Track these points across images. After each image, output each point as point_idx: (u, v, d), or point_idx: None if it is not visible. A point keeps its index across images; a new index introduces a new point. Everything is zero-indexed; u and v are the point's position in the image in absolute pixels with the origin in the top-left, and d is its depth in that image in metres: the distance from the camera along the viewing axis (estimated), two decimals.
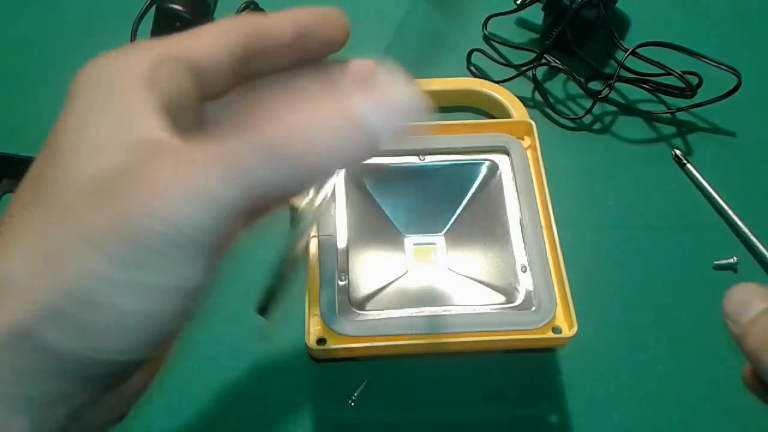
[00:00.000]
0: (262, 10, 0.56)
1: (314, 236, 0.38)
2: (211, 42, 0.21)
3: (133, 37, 0.51)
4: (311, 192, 0.24)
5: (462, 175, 0.42)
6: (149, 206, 0.16)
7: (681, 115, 0.53)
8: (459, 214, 0.42)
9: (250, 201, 0.17)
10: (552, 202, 0.40)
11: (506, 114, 0.49)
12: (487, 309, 0.37)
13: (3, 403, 0.17)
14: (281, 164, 0.17)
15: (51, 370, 0.17)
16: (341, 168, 0.20)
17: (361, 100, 0.18)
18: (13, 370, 0.17)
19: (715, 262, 0.45)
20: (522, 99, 0.51)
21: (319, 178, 0.21)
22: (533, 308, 0.36)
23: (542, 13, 0.55)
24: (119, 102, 0.19)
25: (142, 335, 0.18)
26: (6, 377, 0.17)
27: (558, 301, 0.36)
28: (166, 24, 0.51)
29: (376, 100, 0.18)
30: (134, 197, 0.17)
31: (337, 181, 0.41)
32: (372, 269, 0.40)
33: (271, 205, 0.22)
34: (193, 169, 0.17)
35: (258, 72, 0.22)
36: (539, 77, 0.53)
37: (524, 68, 0.53)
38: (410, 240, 0.42)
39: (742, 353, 0.26)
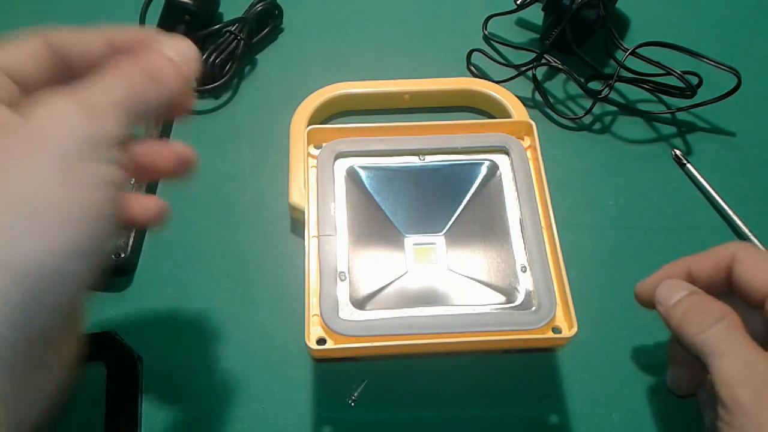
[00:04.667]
0: (278, 5, 0.56)
1: (314, 236, 0.38)
2: (20, 53, 0.27)
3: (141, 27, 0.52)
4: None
5: (462, 175, 0.42)
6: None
7: (681, 115, 0.53)
8: (459, 214, 0.42)
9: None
10: (552, 202, 0.40)
11: (506, 114, 0.50)
12: (487, 309, 0.37)
13: None
14: (155, 87, 0.26)
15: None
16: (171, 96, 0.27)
17: (170, 52, 0.28)
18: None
19: None
20: (522, 99, 0.51)
21: (166, 100, 0.27)
22: (533, 308, 0.36)
23: (542, 13, 0.55)
24: None
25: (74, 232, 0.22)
26: None
27: (558, 301, 0.36)
28: (175, 16, 0.52)
29: (176, 50, 0.28)
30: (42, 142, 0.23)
31: (337, 181, 0.41)
32: (372, 269, 0.40)
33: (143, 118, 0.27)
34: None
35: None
36: (539, 77, 0.54)
37: (524, 68, 0.53)
38: (410, 240, 0.42)
39: (668, 328, 0.34)
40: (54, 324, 0.23)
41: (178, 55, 0.28)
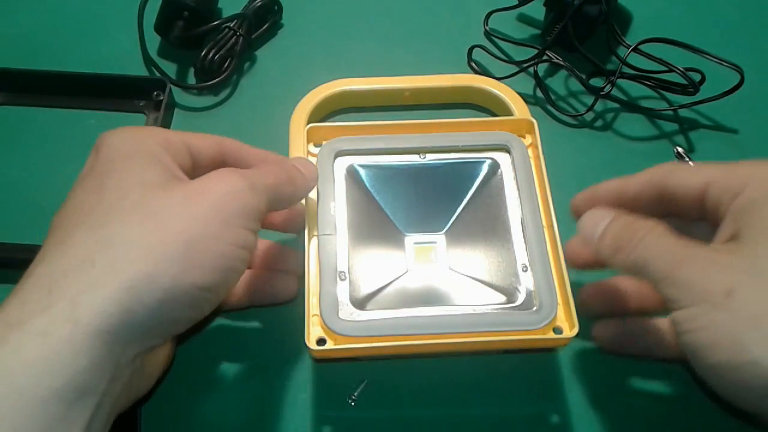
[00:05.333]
0: (277, 1, 0.55)
1: (314, 236, 0.38)
2: (201, 141, 0.35)
3: (140, 24, 0.51)
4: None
5: (463, 173, 0.42)
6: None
7: (683, 112, 0.52)
8: (460, 213, 0.42)
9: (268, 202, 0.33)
10: (553, 201, 0.39)
11: (507, 111, 0.49)
12: (488, 309, 0.37)
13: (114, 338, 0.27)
14: (290, 187, 0.35)
15: (155, 306, 0.27)
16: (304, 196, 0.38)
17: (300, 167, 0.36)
18: (143, 304, 0.27)
19: None
20: (523, 96, 0.50)
21: (293, 197, 0.36)
22: (534, 308, 0.36)
23: (544, 9, 0.55)
24: (148, 158, 0.31)
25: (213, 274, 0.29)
26: (138, 309, 0.27)
27: (559, 300, 0.36)
28: (174, 13, 0.51)
29: (304, 166, 0.36)
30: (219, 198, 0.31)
31: (337, 180, 0.40)
32: (372, 269, 0.40)
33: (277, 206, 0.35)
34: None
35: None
36: (541, 74, 0.53)
37: (526, 65, 0.52)
38: (410, 239, 0.42)
39: (602, 261, 0.33)
40: (166, 334, 0.30)
41: (305, 169, 0.36)
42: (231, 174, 0.31)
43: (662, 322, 0.38)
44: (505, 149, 0.42)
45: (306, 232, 0.38)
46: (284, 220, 0.40)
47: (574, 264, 0.39)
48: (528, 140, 0.43)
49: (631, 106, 0.53)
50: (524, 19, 0.58)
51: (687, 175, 0.34)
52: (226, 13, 0.55)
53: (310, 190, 0.37)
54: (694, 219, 0.35)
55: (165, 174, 0.31)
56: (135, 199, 0.29)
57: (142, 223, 0.28)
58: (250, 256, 0.31)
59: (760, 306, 0.28)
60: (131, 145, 0.32)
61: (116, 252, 0.27)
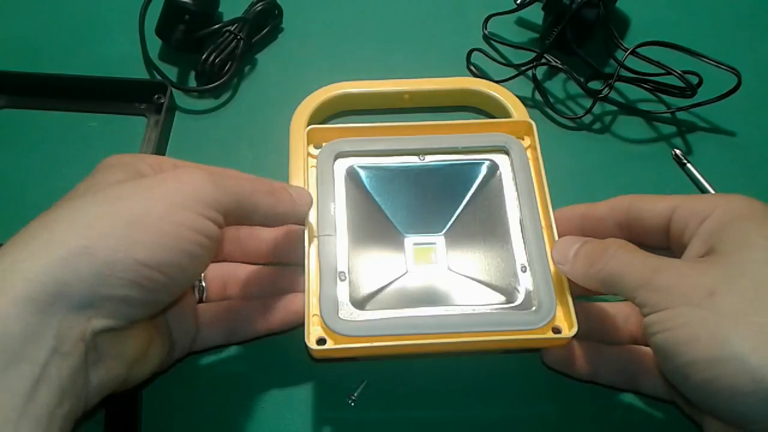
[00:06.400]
0: (278, 5, 0.56)
1: (314, 236, 0.38)
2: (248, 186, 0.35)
3: (141, 27, 0.52)
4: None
5: (462, 174, 0.42)
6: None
7: (681, 115, 0.53)
8: (459, 214, 0.42)
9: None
10: (552, 202, 0.40)
11: (506, 114, 0.49)
12: (487, 309, 0.37)
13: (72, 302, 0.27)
14: (269, 199, 0.35)
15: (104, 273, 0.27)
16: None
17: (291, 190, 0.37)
18: (78, 276, 0.27)
19: None
20: (522, 99, 0.51)
21: (272, 212, 0.35)
22: (533, 308, 0.36)
23: (542, 13, 0.55)
24: (125, 166, 0.33)
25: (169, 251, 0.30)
26: (74, 281, 0.27)
27: (558, 301, 0.36)
28: (175, 16, 0.52)
29: (296, 190, 0.37)
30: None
31: (337, 181, 0.41)
32: (372, 269, 0.40)
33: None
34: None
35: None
36: (539, 77, 0.53)
37: (524, 68, 0.53)
38: (410, 240, 0.42)
39: (576, 281, 0.35)
40: (117, 313, 0.29)
41: (295, 192, 0.37)
42: (193, 168, 0.33)
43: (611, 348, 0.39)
44: (504, 151, 0.42)
45: (306, 232, 0.38)
46: (275, 245, 0.40)
47: None
48: (527, 142, 0.43)
49: (629, 108, 0.53)
50: (523, 23, 0.58)
51: (653, 199, 0.36)
52: (226, 17, 0.56)
53: (300, 214, 0.37)
54: (656, 246, 0.36)
55: (135, 175, 0.32)
56: (93, 191, 0.30)
57: (88, 203, 0.29)
58: (210, 243, 0.31)
59: (743, 304, 0.28)
60: (118, 159, 0.34)
61: (58, 228, 0.28)
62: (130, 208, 0.29)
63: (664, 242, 0.36)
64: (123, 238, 0.28)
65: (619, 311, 0.40)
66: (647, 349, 0.38)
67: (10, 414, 0.25)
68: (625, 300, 0.36)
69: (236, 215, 0.33)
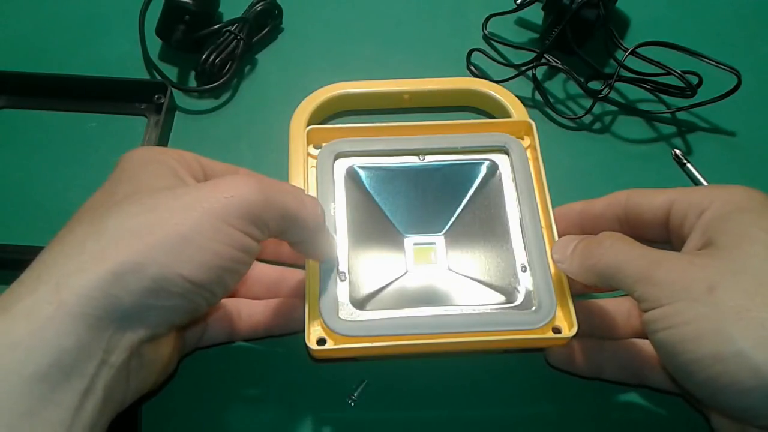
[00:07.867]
0: (278, 5, 0.56)
1: None
2: (214, 162, 0.36)
3: (142, 27, 0.52)
4: None
5: (462, 174, 0.42)
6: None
7: (681, 115, 0.53)
8: (459, 214, 0.42)
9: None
10: (552, 202, 0.40)
11: (506, 114, 0.49)
12: (487, 309, 0.37)
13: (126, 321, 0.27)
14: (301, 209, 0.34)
15: (151, 288, 0.27)
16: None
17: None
18: (128, 290, 0.27)
19: None
20: (522, 99, 0.51)
21: (300, 222, 0.34)
22: (533, 308, 0.36)
23: (542, 13, 0.55)
24: (162, 166, 0.33)
25: (209, 270, 0.29)
26: (123, 294, 0.27)
27: (558, 300, 0.36)
28: (175, 16, 0.52)
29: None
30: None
31: (337, 181, 0.41)
32: (372, 269, 0.40)
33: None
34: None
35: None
36: (539, 77, 0.53)
37: (524, 68, 0.53)
38: (410, 240, 0.42)
39: (576, 277, 0.35)
40: (162, 324, 0.29)
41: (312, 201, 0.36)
42: (243, 178, 0.31)
43: (616, 343, 0.39)
44: (504, 151, 0.42)
45: None
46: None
47: None
48: (526, 142, 0.43)
49: (628, 108, 0.53)
50: (523, 23, 0.58)
51: (651, 193, 0.36)
52: (226, 17, 0.56)
53: (314, 230, 0.34)
54: (656, 240, 0.36)
55: (175, 180, 0.32)
56: (139, 197, 0.30)
57: (137, 215, 0.29)
58: (251, 259, 0.31)
59: (744, 300, 0.28)
60: (148, 155, 0.33)
61: (107, 240, 0.28)
62: (181, 224, 0.29)
63: (664, 236, 0.36)
64: (172, 255, 0.28)
65: (621, 307, 0.40)
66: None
67: (58, 429, 0.25)
68: (625, 295, 0.36)
69: (275, 233, 0.33)
